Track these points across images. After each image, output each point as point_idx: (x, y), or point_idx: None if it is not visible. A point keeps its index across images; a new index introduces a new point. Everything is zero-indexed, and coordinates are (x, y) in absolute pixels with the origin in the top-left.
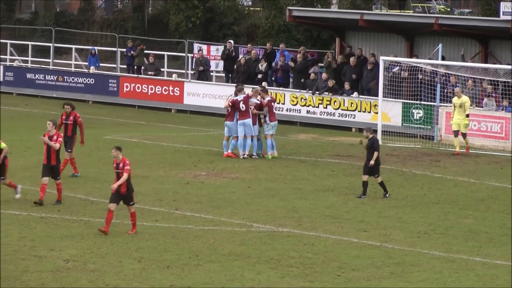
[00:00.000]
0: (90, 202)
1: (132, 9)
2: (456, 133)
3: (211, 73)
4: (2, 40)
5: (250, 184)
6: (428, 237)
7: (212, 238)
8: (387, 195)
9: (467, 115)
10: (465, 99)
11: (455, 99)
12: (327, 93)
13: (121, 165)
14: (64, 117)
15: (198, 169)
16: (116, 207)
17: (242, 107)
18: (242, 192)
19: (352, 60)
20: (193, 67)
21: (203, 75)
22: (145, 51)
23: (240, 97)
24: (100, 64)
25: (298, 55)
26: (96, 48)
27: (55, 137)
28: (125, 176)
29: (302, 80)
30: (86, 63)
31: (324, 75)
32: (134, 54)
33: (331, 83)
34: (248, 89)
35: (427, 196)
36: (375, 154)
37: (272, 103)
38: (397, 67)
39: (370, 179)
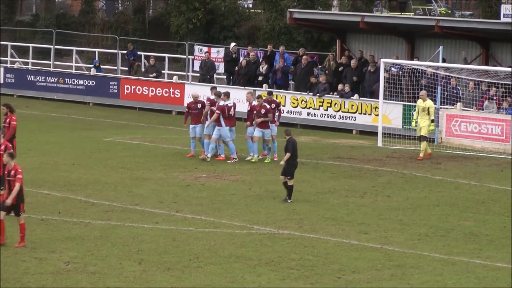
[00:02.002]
0: (90, 204)
1: (133, 11)
2: (423, 138)
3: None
4: (2, 42)
5: (251, 186)
6: (428, 239)
7: (212, 240)
8: (289, 200)
9: (432, 120)
10: (429, 103)
11: (419, 102)
12: (327, 94)
13: (12, 172)
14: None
15: (199, 171)
16: (5, 215)
17: (232, 113)
18: (242, 194)
19: (353, 62)
20: (199, 69)
21: (206, 78)
22: (146, 53)
23: (230, 103)
24: (101, 66)
25: (303, 57)
26: (97, 50)
27: (2, 147)
28: (17, 186)
29: (310, 79)
30: (87, 65)
31: (322, 78)
32: (132, 74)
33: (340, 87)
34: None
35: (427, 199)
36: (287, 155)
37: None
38: (394, 68)
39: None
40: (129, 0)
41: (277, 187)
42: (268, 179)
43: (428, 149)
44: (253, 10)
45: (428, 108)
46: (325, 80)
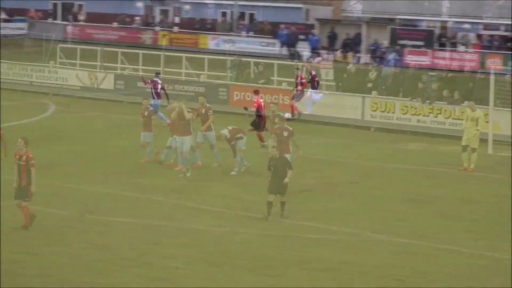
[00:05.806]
0: None
1: None
2: (464, 148)
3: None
4: (112, 49)
5: (358, 194)
6: None
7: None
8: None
9: (477, 130)
10: (479, 113)
11: (468, 111)
12: (438, 102)
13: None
14: None
15: (306, 177)
16: None
17: None
18: (358, 201)
19: None
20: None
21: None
22: (255, 60)
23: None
24: (210, 73)
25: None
26: (206, 57)
27: (24, 157)
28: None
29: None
30: (197, 72)
31: (435, 85)
32: (241, 80)
33: (446, 93)
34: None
35: None
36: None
37: None
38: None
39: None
40: None
41: (384, 193)
42: (373, 185)
43: (466, 163)
44: None
45: (477, 118)
46: (437, 87)
